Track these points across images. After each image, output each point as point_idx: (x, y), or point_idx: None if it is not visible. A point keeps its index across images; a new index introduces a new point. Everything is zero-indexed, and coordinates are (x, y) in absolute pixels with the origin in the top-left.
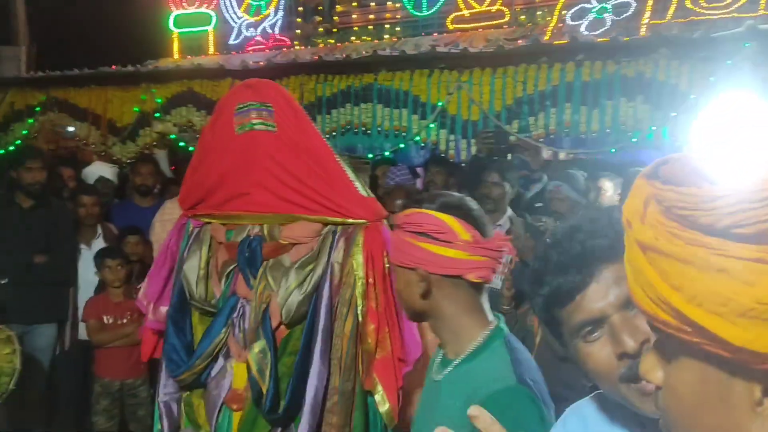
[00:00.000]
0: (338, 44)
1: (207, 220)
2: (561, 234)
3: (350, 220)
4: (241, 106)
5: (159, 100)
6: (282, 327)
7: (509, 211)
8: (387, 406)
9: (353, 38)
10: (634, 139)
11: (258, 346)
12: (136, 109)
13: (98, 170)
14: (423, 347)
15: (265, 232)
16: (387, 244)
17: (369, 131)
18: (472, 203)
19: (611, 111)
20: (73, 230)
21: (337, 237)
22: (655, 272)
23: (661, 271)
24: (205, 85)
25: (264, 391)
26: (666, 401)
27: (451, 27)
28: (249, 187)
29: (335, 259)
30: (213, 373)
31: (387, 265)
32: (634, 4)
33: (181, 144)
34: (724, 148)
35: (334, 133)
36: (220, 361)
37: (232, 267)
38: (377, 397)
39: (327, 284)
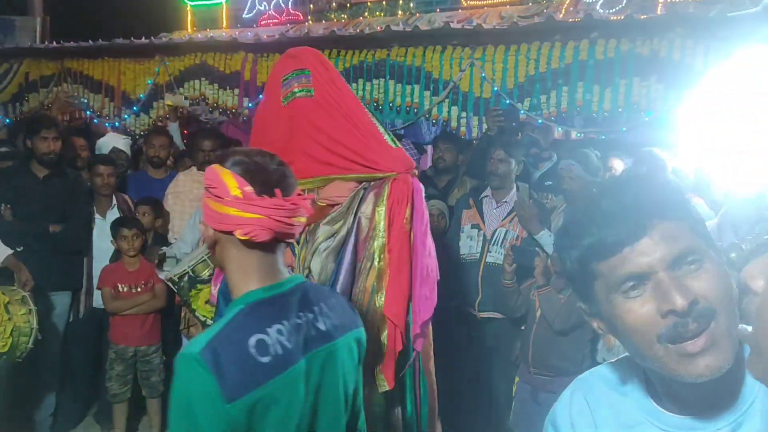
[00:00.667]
0: (351, 19)
1: None
2: (612, 184)
3: (380, 174)
4: (286, 77)
5: (171, 74)
6: None
7: (515, 188)
8: (378, 367)
9: (366, 13)
10: (646, 118)
11: None
12: (149, 81)
13: (112, 141)
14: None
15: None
16: (416, 193)
17: (381, 107)
18: (265, 159)
19: (624, 90)
20: (88, 200)
21: (366, 191)
22: None
23: None
24: (218, 58)
25: None
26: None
27: (465, 4)
28: (293, 156)
29: (363, 213)
30: None
31: (407, 218)
32: None
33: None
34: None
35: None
36: None
37: None
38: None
39: (352, 239)
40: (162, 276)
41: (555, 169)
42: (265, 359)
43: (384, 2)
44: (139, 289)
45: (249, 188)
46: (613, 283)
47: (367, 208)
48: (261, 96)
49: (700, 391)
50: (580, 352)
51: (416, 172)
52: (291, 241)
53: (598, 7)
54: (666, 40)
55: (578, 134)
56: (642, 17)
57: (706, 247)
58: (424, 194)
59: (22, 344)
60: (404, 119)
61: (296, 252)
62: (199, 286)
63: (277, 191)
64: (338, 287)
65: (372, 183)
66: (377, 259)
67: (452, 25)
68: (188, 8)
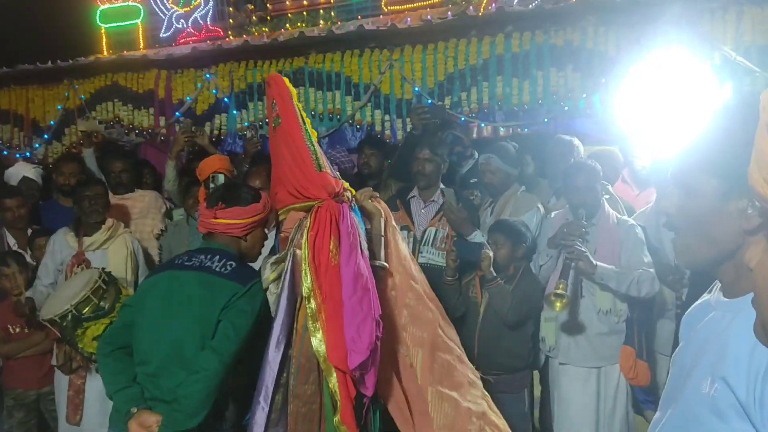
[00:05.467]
0: (272, 32)
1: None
2: None
3: (311, 202)
4: (273, 104)
5: (82, 97)
6: None
7: (441, 187)
8: (337, 417)
9: (288, 25)
10: (566, 108)
11: None
12: (59, 107)
13: (21, 171)
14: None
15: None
16: (341, 220)
17: None
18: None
19: (542, 82)
20: None
21: (303, 222)
22: None
23: None
24: (130, 77)
25: None
26: (760, 286)
27: (386, 9)
28: (276, 187)
29: (296, 246)
30: None
31: (332, 250)
32: None
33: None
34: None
35: (267, 120)
36: None
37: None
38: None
39: (289, 273)
40: (40, 317)
41: (478, 165)
42: None
43: (305, 13)
44: (32, 329)
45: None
46: None
47: (300, 239)
48: (178, 114)
49: None
50: (525, 347)
51: (346, 196)
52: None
53: (515, 4)
54: (579, 28)
55: (502, 130)
56: (552, 6)
57: None
58: (354, 217)
59: None
60: (327, 126)
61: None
62: (85, 324)
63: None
64: (277, 325)
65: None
66: (308, 300)
67: (366, 27)
68: (102, 31)
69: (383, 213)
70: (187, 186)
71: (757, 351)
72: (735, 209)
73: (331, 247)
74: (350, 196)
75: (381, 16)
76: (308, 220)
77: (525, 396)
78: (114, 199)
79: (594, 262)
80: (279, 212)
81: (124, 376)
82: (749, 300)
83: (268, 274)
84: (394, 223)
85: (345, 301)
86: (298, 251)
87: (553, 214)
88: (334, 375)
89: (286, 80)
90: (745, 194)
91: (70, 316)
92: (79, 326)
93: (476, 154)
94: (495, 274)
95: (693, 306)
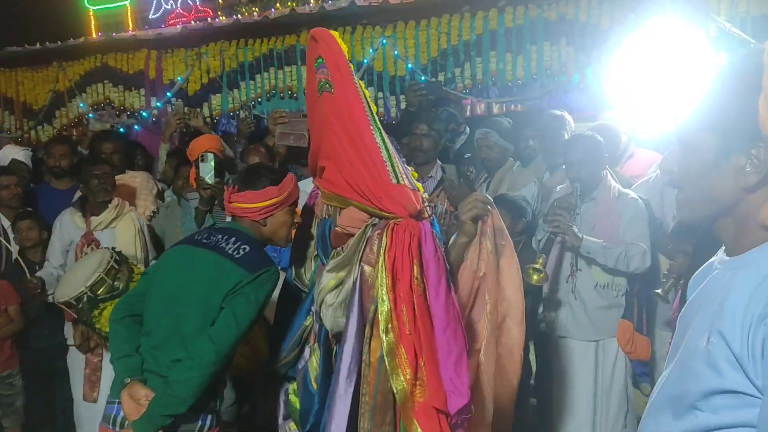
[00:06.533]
0: (263, 12)
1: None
2: None
3: (384, 213)
4: (316, 62)
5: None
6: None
7: (439, 162)
8: None
9: (278, 4)
10: (560, 82)
11: (316, 355)
12: (50, 89)
13: (10, 154)
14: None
15: (337, 213)
16: (424, 243)
17: (295, 95)
18: None
19: (536, 56)
20: None
21: (372, 231)
22: None
23: None
24: (120, 58)
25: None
26: None
27: None
28: (325, 161)
29: (365, 261)
30: (300, 366)
31: (417, 277)
32: None
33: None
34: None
35: (259, 99)
36: (306, 353)
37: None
38: None
39: (357, 294)
40: (55, 300)
41: (471, 141)
42: None
43: None
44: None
45: None
46: None
47: (369, 254)
48: (169, 95)
49: None
50: None
51: (427, 212)
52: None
53: None
54: (572, 2)
55: (496, 107)
56: None
57: None
58: (436, 235)
59: None
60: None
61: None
62: (101, 305)
63: None
64: (347, 350)
65: (379, 221)
66: (385, 332)
67: (358, 3)
68: (91, 13)
69: (480, 237)
70: (176, 167)
71: (752, 303)
72: (733, 166)
73: (415, 274)
74: (430, 211)
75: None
76: (385, 239)
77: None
78: None
79: (580, 236)
80: (328, 195)
81: (128, 345)
82: (749, 257)
83: (326, 282)
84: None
85: (438, 337)
86: (366, 267)
87: (558, 188)
88: (417, 422)
89: (339, 38)
90: (744, 152)
91: (85, 298)
92: (95, 307)
93: (468, 130)
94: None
95: (699, 269)
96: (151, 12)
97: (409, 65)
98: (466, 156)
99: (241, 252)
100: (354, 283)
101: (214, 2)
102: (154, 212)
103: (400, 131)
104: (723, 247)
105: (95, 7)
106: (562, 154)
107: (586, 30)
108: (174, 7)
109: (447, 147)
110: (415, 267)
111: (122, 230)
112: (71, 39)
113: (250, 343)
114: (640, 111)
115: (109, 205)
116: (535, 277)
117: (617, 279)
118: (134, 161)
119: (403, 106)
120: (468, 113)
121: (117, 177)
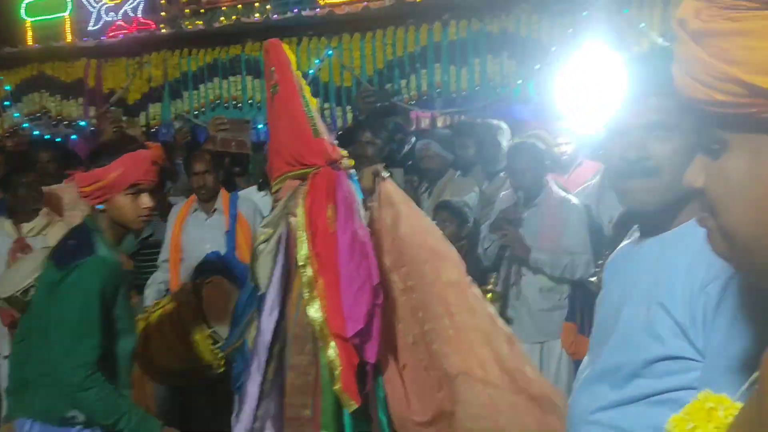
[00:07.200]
0: (207, 26)
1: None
2: None
3: (308, 169)
4: (271, 71)
5: (8, 87)
6: None
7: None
8: (338, 385)
9: (222, 18)
10: (502, 93)
11: (254, 325)
12: None
13: None
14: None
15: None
16: (338, 187)
17: (240, 104)
18: None
19: (479, 69)
20: None
21: (299, 189)
22: (709, 54)
23: (719, 50)
24: (58, 67)
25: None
26: (716, 197)
27: (322, 2)
28: (272, 157)
29: (291, 213)
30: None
31: (329, 216)
32: None
33: (35, 133)
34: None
35: (203, 109)
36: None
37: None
38: (335, 374)
39: (284, 240)
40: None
41: (412, 150)
42: None
43: (239, 6)
44: None
45: None
46: None
47: (294, 207)
48: (108, 104)
49: None
50: None
51: (343, 163)
52: None
53: None
54: (513, 16)
55: (441, 118)
56: None
57: None
58: (351, 184)
59: None
60: (266, 115)
61: None
62: None
63: None
64: (270, 293)
65: (305, 182)
66: (303, 267)
67: (304, 13)
68: (28, 24)
69: (378, 194)
70: None
71: (691, 272)
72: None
73: (328, 214)
74: (348, 165)
75: (317, 10)
76: (304, 187)
77: None
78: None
79: (528, 247)
80: (274, 183)
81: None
82: (678, 233)
83: (260, 234)
84: (398, 201)
85: (342, 268)
86: (292, 219)
87: (501, 195)
88: (332, 343)
89: (285, 47)
90: None
91: (32, 290)
92: None
93: (413, 139)
94: None
95: (613, 254)
96: (91, 23)
97: (355, 77)
98: (408, 164)
99: (61, 246)
100: (281, 232)
101: (156, 15)
102: None
103: (349, 140)
104: (636, 230)
105: (32, 19)
106: (503, 162)
107: (526, 44)
108: (115, 18)
109: (395, 157)
110: (329, 208)
111: (54, 236)
112: (7, 47)
113: (192, 348)
114: (582, 121)
115: (40, 212)
116: (488, 296)
117: (561, 283)
118: (71, 170)
119: (349, 116)
120: (414, 127)
121: (53, 186)
